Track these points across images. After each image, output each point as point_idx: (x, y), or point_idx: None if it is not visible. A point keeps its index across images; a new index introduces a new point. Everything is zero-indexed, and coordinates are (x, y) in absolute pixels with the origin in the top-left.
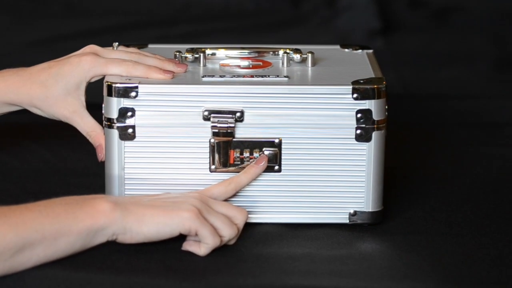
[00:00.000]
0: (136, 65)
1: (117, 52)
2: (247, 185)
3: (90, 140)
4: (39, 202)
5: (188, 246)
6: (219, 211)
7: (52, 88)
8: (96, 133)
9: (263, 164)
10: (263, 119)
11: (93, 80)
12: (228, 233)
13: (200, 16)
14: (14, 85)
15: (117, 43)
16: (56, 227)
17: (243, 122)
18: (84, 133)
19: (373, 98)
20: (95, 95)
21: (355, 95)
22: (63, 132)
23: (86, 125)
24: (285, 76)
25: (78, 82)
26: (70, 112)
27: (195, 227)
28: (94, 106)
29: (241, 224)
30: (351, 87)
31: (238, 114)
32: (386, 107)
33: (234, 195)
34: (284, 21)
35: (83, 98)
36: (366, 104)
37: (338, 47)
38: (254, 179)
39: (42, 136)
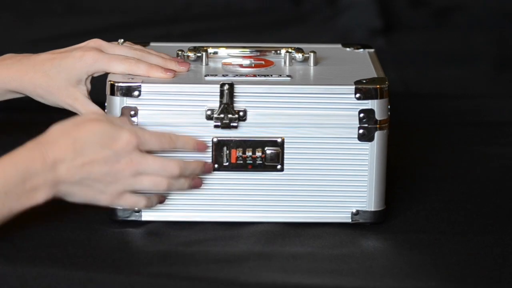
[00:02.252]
0: (139, 63)
1: (122, 48)
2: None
3: None
4: None
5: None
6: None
7: (54, 78)
8: None
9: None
10: (265, 118)
11: (95, 75)
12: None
13: (201, 15)
14: (17, 73)
15: (122, 40)
16: None
17: (246, 121)
18: None
19: (376, 98)
20: (98, 94)
21: (357, 95)
22: None
23: (89, 112)
24: (287, 76)
25: (80, 75)
26: (72, 100)
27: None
28: (98, 104)
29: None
30: (353, 87)
31: (241, 114)
32: (389, 106)
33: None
34: (285, 20)
35: (85, 88)
36: (369, 104)
37: (339, 46)
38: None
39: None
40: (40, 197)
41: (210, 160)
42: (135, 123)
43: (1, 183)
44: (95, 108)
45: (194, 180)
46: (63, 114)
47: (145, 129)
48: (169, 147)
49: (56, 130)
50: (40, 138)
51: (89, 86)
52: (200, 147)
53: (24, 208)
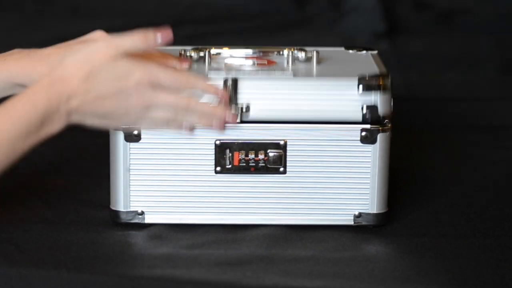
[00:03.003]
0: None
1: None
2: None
3: None
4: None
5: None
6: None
7: None
8: None
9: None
10: (268, 114)
11: None
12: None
13: (205, 18)
14: (26, 67)
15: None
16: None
17: (249, 123)
18: None
19: (379, 90)
20: None
21: (360, 87)
22: (67, 132)
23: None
24: (290, 72)
25: None
26: None
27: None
28: None
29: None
30: (356, 79)
31: (244, 108)
32: (392, 104)
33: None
34: (289, 23)
35: None
36: (372, 99)
37: (342, 49)
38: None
39: None
40: (55, 128)
41: (213, 162)
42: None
43: (24, 125)
44: None
45: (217, 122)
46: None
47: (161, 67)
48: (185, 87)
49: (70, 64)
50: (55, 73)
51: None
52: (220, 94)
53: (41, 140)
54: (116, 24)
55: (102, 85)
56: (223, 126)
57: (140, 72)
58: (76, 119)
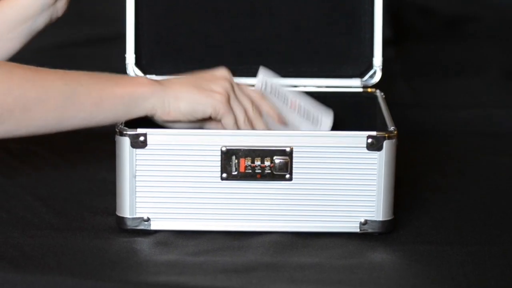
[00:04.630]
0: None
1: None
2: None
3: None
4: (79, 71)
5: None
6: (243, 100)
7: None
8: None
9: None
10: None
11: None
12: (244, 127)
13: None
14: None
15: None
16: (100, 86)
17: (255, 130)
18: None
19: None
20: None
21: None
22: (74, 138)
23: None
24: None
25: None
26: None
27: (222, 113)
28: None
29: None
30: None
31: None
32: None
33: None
34: None
35: None
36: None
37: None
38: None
39: (53, 142)
40: (144, 91)
41: (219, 169)
42: None
43: (120, 111)
44: None
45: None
46: None
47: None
48: (257, 102)
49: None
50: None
51: None
52: (280, 121)
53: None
54: (121, 30)
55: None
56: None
57: (222, 74)
58: (164, 82)
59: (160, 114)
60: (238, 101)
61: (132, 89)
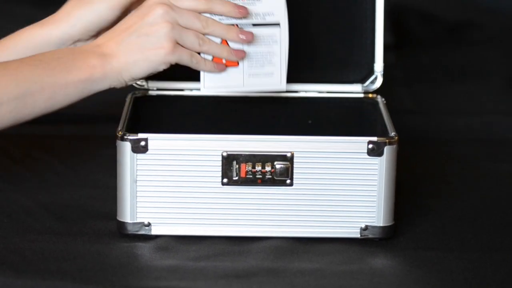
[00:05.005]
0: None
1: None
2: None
3: None
4: (34, 56)
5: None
6: (189, 21)
7: None
8: None
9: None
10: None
11: None
12: (202, 50)
13: None
14: (72, 13)
15: None
16: (53, 79)
17: (255, 135)
18: None
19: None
20: (111, 107)
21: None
22: (76, 144)
23: None
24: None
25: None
26: None
27: (175, 59)
28: (112, 118)
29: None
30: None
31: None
32: None
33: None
34: None
35: None
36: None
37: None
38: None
39: (54, 147)
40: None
41: (219, 174)
42: None
43: (75, 96)
44: None
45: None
46: (74, 125)
47: None
48: (205, 8)
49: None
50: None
51: None
52: (241, 10)
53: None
54: None
55: (125, 22)
56: (239, 55)
57: (159, 5)
58: (110, 50)
59: (119, 87)
60: (185, 31)
61: (85, 75)
